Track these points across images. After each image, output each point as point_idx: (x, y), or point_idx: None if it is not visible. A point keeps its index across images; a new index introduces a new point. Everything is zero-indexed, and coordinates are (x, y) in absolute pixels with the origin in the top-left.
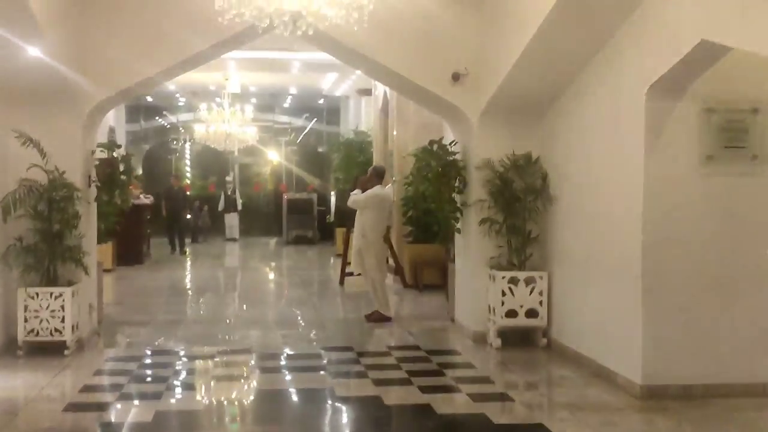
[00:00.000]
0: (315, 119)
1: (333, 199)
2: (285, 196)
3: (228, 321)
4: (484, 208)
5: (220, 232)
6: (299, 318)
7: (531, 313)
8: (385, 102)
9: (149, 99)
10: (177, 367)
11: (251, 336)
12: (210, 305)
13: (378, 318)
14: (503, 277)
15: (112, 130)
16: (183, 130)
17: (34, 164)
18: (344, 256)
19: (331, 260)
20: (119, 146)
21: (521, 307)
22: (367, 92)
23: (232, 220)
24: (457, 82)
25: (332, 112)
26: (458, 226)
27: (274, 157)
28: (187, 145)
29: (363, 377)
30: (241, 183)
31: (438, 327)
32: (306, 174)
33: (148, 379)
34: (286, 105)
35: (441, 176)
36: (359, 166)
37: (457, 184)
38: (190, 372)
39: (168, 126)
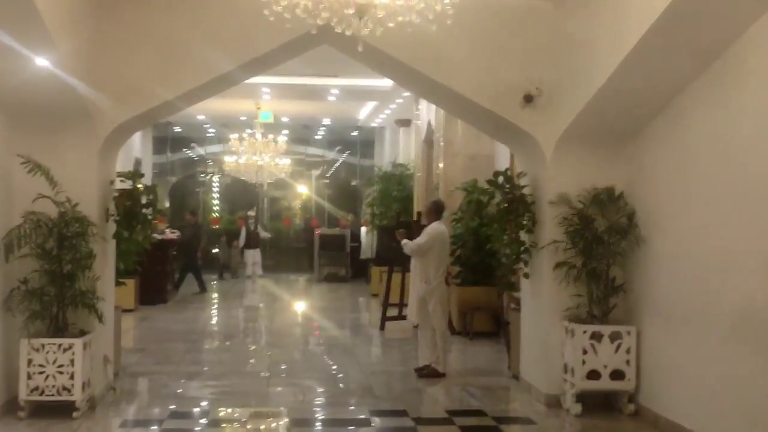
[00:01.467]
0: (347, 152)
1: (366, 235)
2: (317, 232)
3: (260, 375)
4: (559, 250)
5: None
6: (338, 371)
7: (616, 375)
8: (430, 132)
9: (177, 129)
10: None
11: (285, 394)
12: (238, 354)
13: (431, 374)
14: (584, 332)
15: (138, 162)
16: (211, 162)
17: (42, 195)
18: (386, 299)
19: (367, 301)
20: (142, 175)
21: (605, 367)
22: (406, 123)
23: (254, 257)
24: (529, 104)
25: (366, 144)
26: (526, 270)
27: (305, 190)
28: (215, 178)
29: None
30: (271, 217)
31: (500, 385)
32: (338, 209)
33: None
34: (318, 137)
35: (507, 213)
36: (399, 201)
37: (525, 222)
38: None
39: (196, 158)
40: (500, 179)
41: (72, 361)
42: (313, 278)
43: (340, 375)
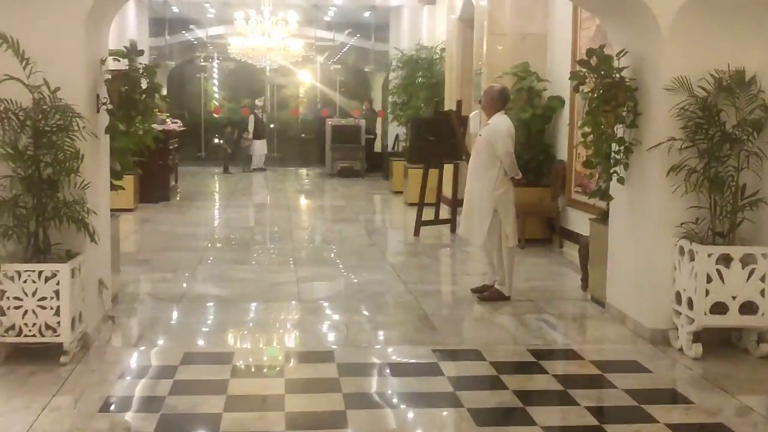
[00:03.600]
0: (358, 35)
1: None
2: (329, 123)
3: (290, 301)
4: (673, 150)
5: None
6: (381, 292)
7: (746, 308)
8: (468, 8)
9: (175, 9)
10: (226, 386)
11: (327, 325)
12: (259, 268)
13: (494, 296)
14: (709, 255)
15: (133, 44)
16: (212, 47)
17: (10, 76)
18: (421, 201)
19: (389, 200)
20: (141, 53)
21: (733, 298)
22: (431, 1)
23: (261, 148)
24: None
25: (381, 27)
26: (621, 174)
27: (314, 77)
28: (217, 63)
29: (524, 422)
30: (277, 106)
31: (581, 313)
32: (349, 97)
33: (186, 410)
34: (327, 18)
35: (603, 102)
36: (426, 88)
37: (625, 113)
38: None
39: (195, 42)
40: (593, 59)
41: (57, 293)
42: (325, 172)
43: (385, 298)
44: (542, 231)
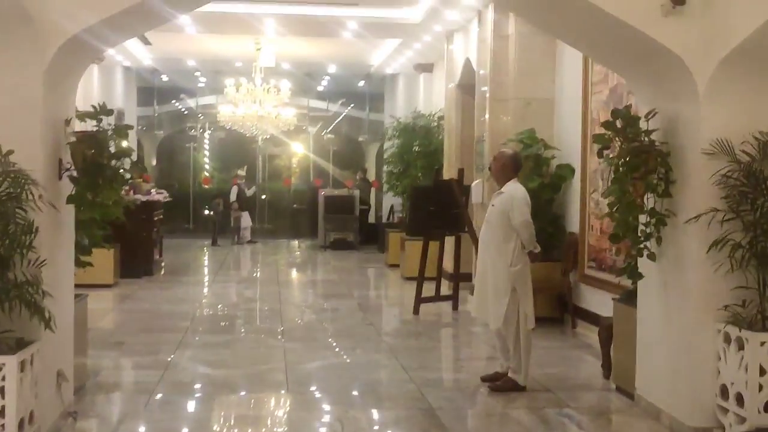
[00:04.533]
0: (352, 105)
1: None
2: (321, 193)
3: (279, 391)
4: (714, 222)
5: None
6: (380, 381)
7: None
8: (468, 74)
9: (164, 78)
10: None
11: (319, 422)
12: (245, 351)
13: (507, 387)
14: (762, 344)
15: (120, 114)
16: (203, 116)
17: None
18: (421, 277)
19: (384, 273)
20: (110, 113)
21: None
22: (428, 68)
23: (246, 221)
24: (677, 7)
25: (375, 97)
26: (653, 249)
27: (306, 148)
28: (208, 133)
29: None
30: (268, 176)
31: (607, 406)
32: (342, 168)
33: None
34: (321, 88)
35: (631, 169)
36: (423, 157)
37: (656, 181)
38: None
39: (186, 111)
40: (618, 121)
41: (2, 390)
42: (318, 244)
43: (384, 387)
44: (552, 309)
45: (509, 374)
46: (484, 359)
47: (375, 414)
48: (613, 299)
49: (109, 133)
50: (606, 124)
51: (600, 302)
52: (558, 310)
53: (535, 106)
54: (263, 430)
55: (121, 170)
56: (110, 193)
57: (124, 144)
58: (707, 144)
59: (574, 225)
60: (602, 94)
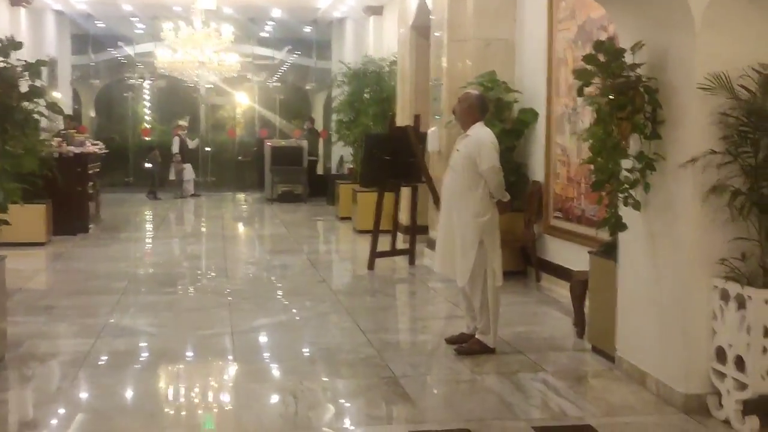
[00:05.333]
0: (298, 52)
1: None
2: (268, 144)
3: (227, 358)
4: (710, 167)
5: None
6: (337, 344)
7: None
8: (422, 15)
9: (100, 24)
10: None
11: (270, 396)
12: (187, 313)
13: (475, 349)
14: (766, 300)
15: (53, 62)
16: (141, 66)
17: None
18: (376, 230)
19: (336, 226)
20: (19, 46)
21: None
22: (377, 10)
23: (189, 173)
24: None
25: (322, 44)
26: (637, 197)
27: (250, 98)
28: (147, 82)
29: None
30: (212, 127)
31: (586, 370)
32: (289, 117)
33: None
34: (265, 34)
35: (616, 108)
36: (376, 104)
37: (643, 121)
38: None
39: (124, 60)
40: (601, 55)
41: None
42: (265, 197)
43: (342, 353)
44: (515, 262)
45: (477, 336)
46: (445, 318)
47: (332, 385)
48: (589, 252)
49: (19, 69)
50: (588, 58)
51: (567, 254)
52: (521, 262)
53: (495, 48)
54: (205, 407)
55: (35, 114)
56: (22, 139)
57: (40, 84)
58: (703, 78)
59: (538, 173)
60: (569, 32)
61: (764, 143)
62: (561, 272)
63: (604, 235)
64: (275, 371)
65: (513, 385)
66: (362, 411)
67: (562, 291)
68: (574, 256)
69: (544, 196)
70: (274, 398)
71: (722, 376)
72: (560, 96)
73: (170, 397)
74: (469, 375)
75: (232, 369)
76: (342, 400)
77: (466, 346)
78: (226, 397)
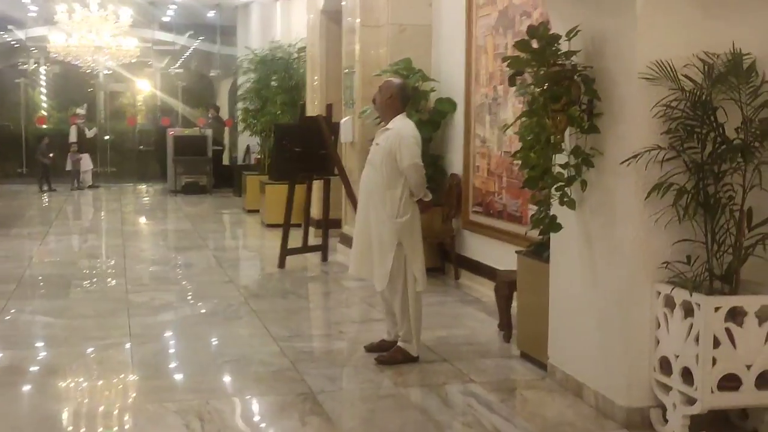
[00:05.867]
0: (201, 37)
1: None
2: (170, 133)
3: (123, 375)
4: (653, 163)
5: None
6: (249, 356)
7: (762, 379)
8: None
9: None
10: None
11: (172, 419)
12: (81, 322)
13: (397, 358)
14: (717, 309)
15: None
16: (35, 49)
17: None
18: (286, 224)
19: (243, 220)
20: None
21: (748, 368)
22: None
23: (86, 164)
24: None
25: (227, 30)
26: (571, 194)
27: (152, 84)
28: (42, 68)
29: None
30: (111, 115)
31: (516, 380)
32: (193, 105)
33: None
34: (167, 19)
35: (550, 98)
36: (284, 92)
37: (579, 114)
38: None
39: (16, 44)
40: (535, 41)
41: None
42: (168, 189)
43: (253, 365)
44: (433, 259)
45: (399, 343)
46: (362, 322)
47: (242, 404)
48: (517, 252)
49: None
50: (520, 45)
51: (488, 251)
52: (439, 259)
53: (410, 33)
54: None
55: None
56: None
57: None
58: (644, 68)
59: (456, 166)
60: (489, 17)
61: (711, 138)
62: (482, 269)
63: (532, 233)
64: (178, 389)
65: (440, 400)
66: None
67: (482, 289)
68: (495, 253)
69: (463, 190)
70: (176, 422)
71: (667, 388)
72: (480, 85)
73: (57, 423)
74: (393, 388)
75: (130, 386)
76: (254, 422)
77: (388, 355)
78: (121, 421)
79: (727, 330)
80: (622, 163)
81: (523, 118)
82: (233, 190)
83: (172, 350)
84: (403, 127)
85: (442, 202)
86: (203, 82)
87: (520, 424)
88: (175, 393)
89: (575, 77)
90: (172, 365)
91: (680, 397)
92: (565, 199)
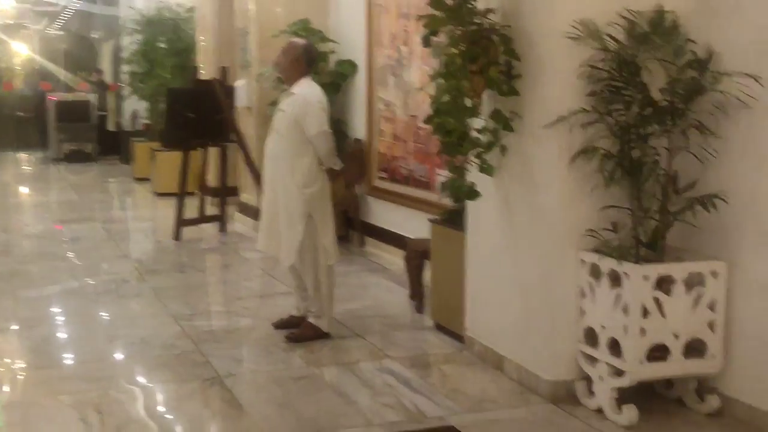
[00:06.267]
0: None
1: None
2: (51, 98)
3: (11, 363)
4: (576, 126)
5: None
6: (149, 338)
7: (693, 349)
8: None
9: None
10: None
11: (68, 412)
12: None
13: (308, 334)
14: (645, 277)
15: None
16: None
17: None
18: (182, 194)
19: (133, 189)
20: None
21: (676, 337)
22: None
23: None
24: None
25: None
26: (489, 160)
27: (30, 48)
28: None
29: None
30: None
31: (434, 354)
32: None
33: None
34: None
35: (469, 59)
36: (175, 55)
37: (498, 75)
38: None
39: None
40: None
41: None
42: (50, 157)
43: (154, 348)
44: (337, 227)
45: (310, 319)
46: (267, 296)
47: (145, 393)
48: (430, 220)
49: None
50: (435, 3)
51: (393, 218)
52: (343, 227)
53: None
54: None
55: None
56: None
57: None
58: (566, 26)
59: (359, 130)
60: None
61: (638, 100)
62: (388, 237)
63: (425, 194)
64: (73, 378)
65: (358, 380)
66: (184, 427)
67: (389, 257)
68: (402, 220)
69: (366, 155)
70: (72, 416)
71: (593, 360)
72: (383, 46)
73: None
74: (305, 368)
75: (18, 377)
76: (159, 414)
77: (298, 332)
78: (9, 418)
79: (655, 299)
80: (546, 126)
81: (439, 80)
82: (120, 157)
83: (64, 335)
84: (309, 92)
85: (345, 169)
86: (84, 44)
87: (443, 403)
88: (70, 383)
89: (493, 37)
90: (65, 352)
91: (607, 369)
92: (484, 166)
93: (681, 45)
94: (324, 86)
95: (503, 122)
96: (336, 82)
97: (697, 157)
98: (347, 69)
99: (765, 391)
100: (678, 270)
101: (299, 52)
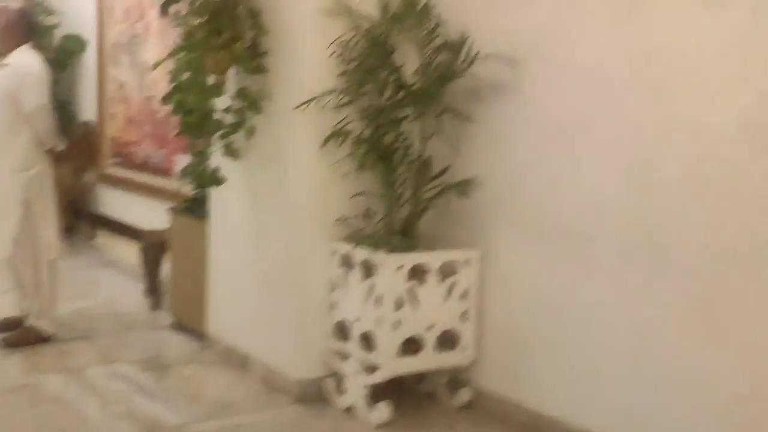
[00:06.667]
0: None
1: None
2: None
3: None
4: (327, 109)
5: None
6: None
7: (445, 341)
8: None
9: None
10: None
11: None
12: None
13: (27, 338)
14: (399, 268)
15: None
16: None
17: None
18: None
19: None
20: None
21: (429, 329)
22: None
23: None
24: None
25: None
26: (234, 143)
27: None
28: None
29: None
30: None
31: (173, 356)
32: None
33: None
34: None
35: (212, 33)
36: None
37: (245, 51)
38: None
39: None
40: None
41: None
42: None
43: None
44: (63, 218)
45: (29, 321)
46: None
47: None
48: (169, 210)
49: None
50: None
51: (128, 207)
52: (71, 218)
53: None
54: None
55: None
56: None
57: None
58: (318, 0)
59: (88, 112)
60: None
61: (390, 82)
62: (121, 228)
63: (185, 187)
64: None
65: (84, 388)
66: None
67: (123, 250)
68: (138, 210)
69: (97, 139)
70: None
71: (345, 356)
72: (116, 21)
73: None
74: (24, 377)
75: None
76: None
77: (16, 336)
78: None
79: (410, 290)
80: (296, 108)
81: (179, 54)
82: None
83: None
84: (26, 62)
85: (72, 154)
86: None
87: (183, 409)
88: None
89: (239, 8)
90: None
91: (359, 365)
92: (229, 149)
93: (434, 27)
94: (48, 63)
95: (250, 102)
96: (61, 59)
97: (450, 142)
98: (75, 45)
99: (514, 382)
100: (432, 259)
101: (12, 16)
